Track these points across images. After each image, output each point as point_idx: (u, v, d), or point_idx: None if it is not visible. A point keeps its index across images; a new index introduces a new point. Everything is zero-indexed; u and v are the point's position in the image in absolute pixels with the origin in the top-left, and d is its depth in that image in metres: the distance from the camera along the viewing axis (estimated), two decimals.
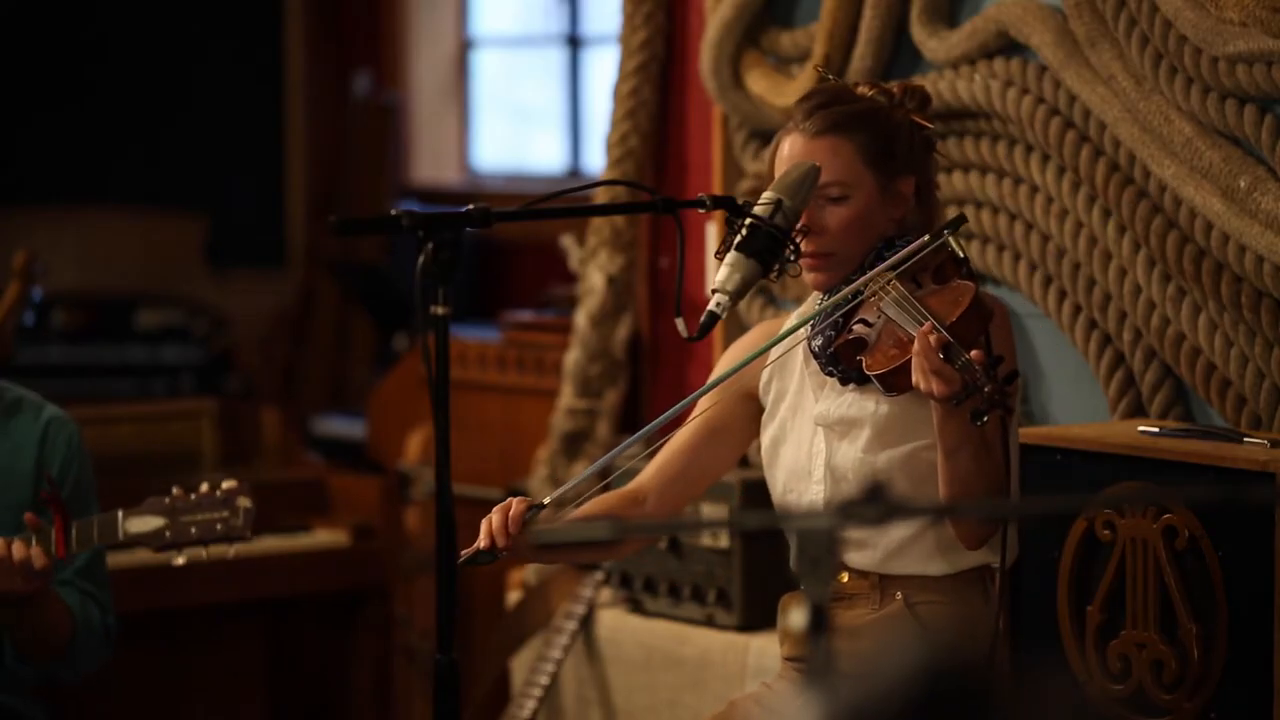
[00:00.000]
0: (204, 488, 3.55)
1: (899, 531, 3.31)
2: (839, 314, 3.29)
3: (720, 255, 3.21)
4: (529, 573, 4.97)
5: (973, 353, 3.06)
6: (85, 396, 6.72)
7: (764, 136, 4.60)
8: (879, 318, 3.25)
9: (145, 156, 7.93)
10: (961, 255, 3.24)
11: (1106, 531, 3.44)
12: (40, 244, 6.05)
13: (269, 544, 5.11)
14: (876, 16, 4.27)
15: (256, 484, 5.26)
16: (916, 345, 3.10)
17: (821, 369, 3.34)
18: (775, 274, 3.25)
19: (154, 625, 5.08)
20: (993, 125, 4.12)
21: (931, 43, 4.19)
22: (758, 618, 4.38)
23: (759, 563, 4.38)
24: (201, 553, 3.55)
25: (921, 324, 3.15)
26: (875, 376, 3.21)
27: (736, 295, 3.16)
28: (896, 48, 4.31)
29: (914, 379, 3.11)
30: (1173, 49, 3.75)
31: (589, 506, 3.38)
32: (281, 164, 8.10)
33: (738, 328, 4.58)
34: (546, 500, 3.32)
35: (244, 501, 3.54)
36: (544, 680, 4.62)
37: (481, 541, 3.29)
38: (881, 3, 4.26)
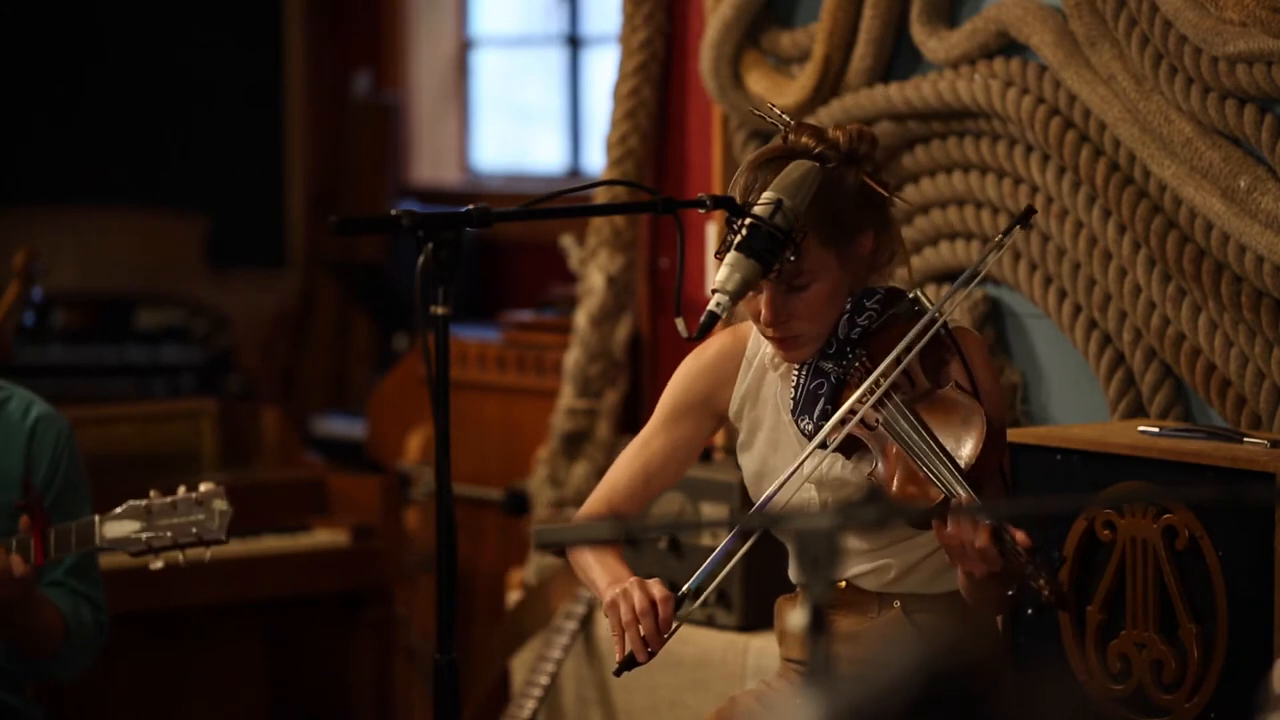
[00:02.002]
0: (181, 490, 3.53)
1: (893, 563, 3.30)
2: (822, 400, 3.24)
3: (720, 255, 3.20)
4: (529, 573, 4.97)
5: (1018, 535, 2.98)
6: (85, 396, 6.73)
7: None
8: (877, 424, 3.19)
9: (145, 156, 7.93)
10: (945, 331, 3.21)
11: (1106, 531, 3.44)
12: (40, 244, 6.04)
13: (269, 544, 5.11)
14: (876, 16, 4.27)
15: (256, 484, 5.30)
16: (951, 531, 3.02)
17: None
18: (775, 274, 3.24)
19: (154, 625, 5.08)
20: (993, 125, 4.12)
21: (931, 43, 4.19)
22: (758, 618, 4.38)
23: (759, 563, 4.38)
24: (178, 557, 3.54)
25: (938, 472, 3.08)
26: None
27: (736, 295, 3.16)
28: (896, 48, 4.31)
29: (948, 557, 3.07)
30: (1173, 49, 3.75)
31: (603, 561, 3.31)
32: (281, 164, 8.10)
33: None
34: (686, 588, 3.18)
35: (220, 504, 3.52)
36: (544, 680, 4.62)
37: (639, 656, 3.15)
38: (881, 3, 4.26)
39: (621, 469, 3.42)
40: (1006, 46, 4.08)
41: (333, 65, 8.06)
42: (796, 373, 3.30)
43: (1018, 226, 3.30)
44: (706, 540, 4.41)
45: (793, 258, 3.20)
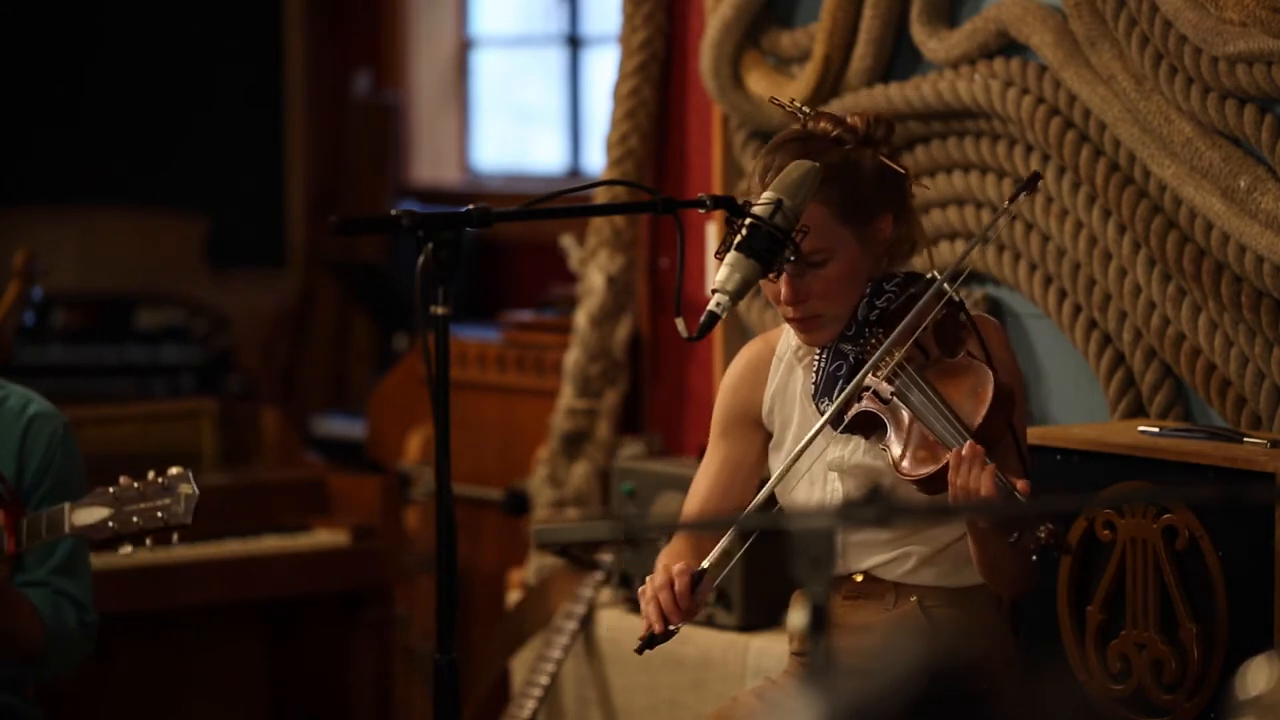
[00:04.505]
0: (150, 475, 3.51)
1: (914, 551, 3.30)
2: (840, 380, 3.25)
3: (720, 255, 3.20)
4: (529, 573, 4.97)
5: (1019, 483, 3.03)
6: (85, 396, 6.72)
7: (764, 136, 4.59)
8: (893, 398, 3.21)
9: (145, 156, 7.93)
10: (958, 300, 3.23)
11: (1106, 531, 3.44)
12: (40, 244, 6.05)
13: (269, 544, 5.11)
14: (876, 16, 4.27)
15: (256, 484, 5.30)
16: (956, 478, 3.07)
17: (831, 426, 3.28)
18: (775, 274, 3.24)
19: (154, 625, 5.08)
20: (993, 125, 4.12)
21: (931, 43, 4.19)
22: (758, 618, 4.38)
23: (759, 563, 4.37)
24: (145, 542, 3.52)
25: (948, 429, 3.12)
26: (911, 482, 3.17)
27: (736, 295, 3.16)
28: (896, 48, 4.31)
29: (954, 497, 3.09)
30: (1173, 49, 3.75)
31: (665, 554, 3.31)
32: (281, 164, 8.09)
33: (738, 328, 4.59)
34: (705, 564, 3.20)
35: (186, 488, 3.50)
36: (544, 680, 4.61)
37: (656, 626, 3.16)
38: (881, 3, 4.26)
39: (693, 500, 3.43)
40: (1006, 46, 4.08)
41: (333, 65, 8.06)
42: (818, 358, 3.31)
43: (1023, 193, 3.31)
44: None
45: (792, 258, 3.21)
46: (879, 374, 3.23)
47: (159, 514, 3.48)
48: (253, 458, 5.47)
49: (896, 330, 3.22)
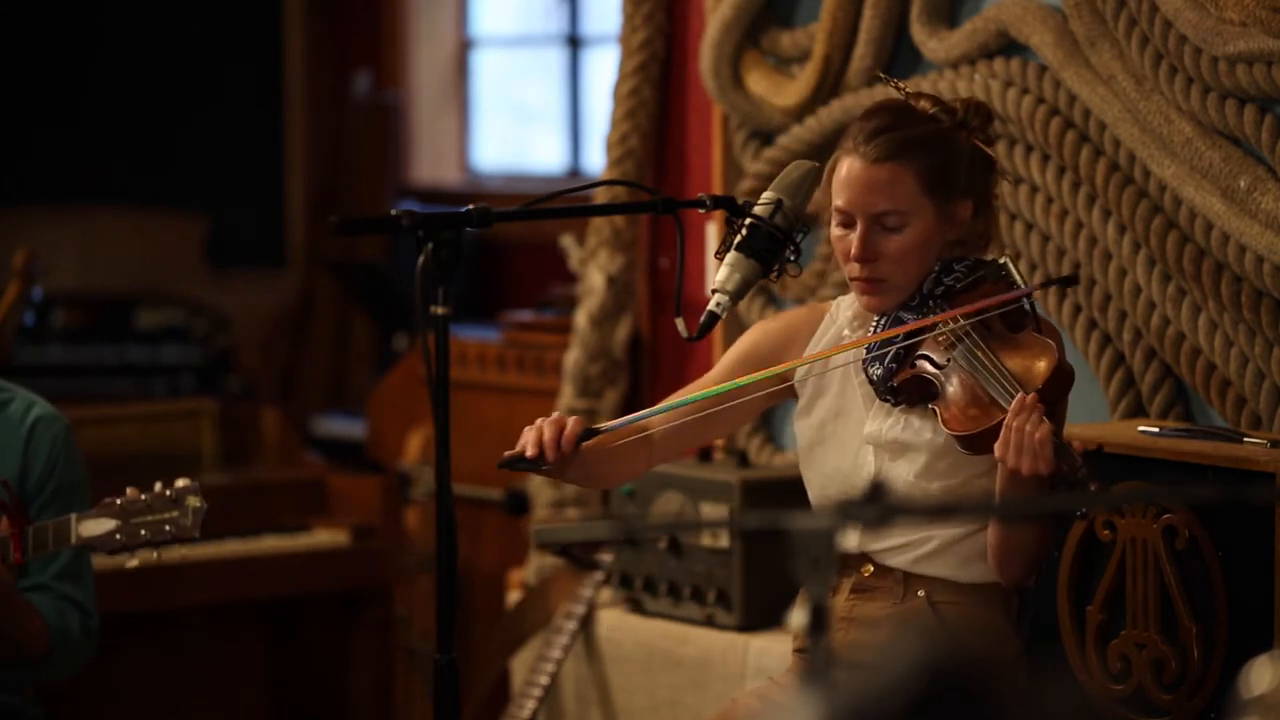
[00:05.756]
0: (157, 487, 3.52)
1: (937, 534, 3.28)
2: (899, 345, 3.24)
3: (720, 255, 3.20)
4: (529, 573, 4.97)
5: (1075, 443, 3.04)
6: (85, 396, 6.73)
7: (764, 136, 4.60)
8: (948, 361, 3.20)
9: (145, 156, 7.93)
10: (1029, 308, 3.22)
11: (1106, 531, 3.44)
12: (40, 244, 6.04)
13: (269, 544, 5.11)
14: (876, 16, 4.27)
15: (256, 484, 5.30)
16: (1014, 420, 3.07)
17: (878, 394, 3.27)
18: (775, 274, 3.24)
19: (154, 625, 5.08)
20: (993, 125, 4.12)
21: (931, 43, 4.19)
22: (758, 618, 4.38)
23: (759, 563, 4.38)
24: (152, 555, 3.52)
25: (1005, 388, 3.12)
26: (955, 437, 3.17)
27: (736, 295, 3.16)
28: (896, 48, 4.31)
29: (1000, 451, 3.09)
30: (1173, 49, 3.75)
31: (605, 437, 3.29)
32: (281, 164, 8.09)
33: (738, 328, 4.58)
34: (602, 426, 3.22)
35: (193, 501, 3.50)
36: (544, 680, 4.61)
37: (530, 449, 3.17)
38: (881, 3, 4.26)
39: (676, 400, 3.37)
40: (1006, 46, 4.08)
41: (333, 65, 8.06)
42: (874, 323, 3.29)
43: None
44: (706, 540, 4.41)
45: (792, 258, 3.21)
46: (938, 340, 3.22)
47: (166, 527, 3.49)
48: (253, 458, 5.47)
49: (965, 308, 3.19)
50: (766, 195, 3.20)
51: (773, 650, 4.24)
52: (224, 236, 7.94)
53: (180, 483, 3.51)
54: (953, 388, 3.18)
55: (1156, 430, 3.53)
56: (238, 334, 7.85)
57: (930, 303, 3.26)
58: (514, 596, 4.96)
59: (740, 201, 3.25)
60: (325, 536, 5.21)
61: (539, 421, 3.20)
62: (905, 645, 1.63)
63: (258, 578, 5.08)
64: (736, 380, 3.30)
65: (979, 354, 3.18)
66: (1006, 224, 4.10)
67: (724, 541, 4.38)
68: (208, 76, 7.99)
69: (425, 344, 3.00)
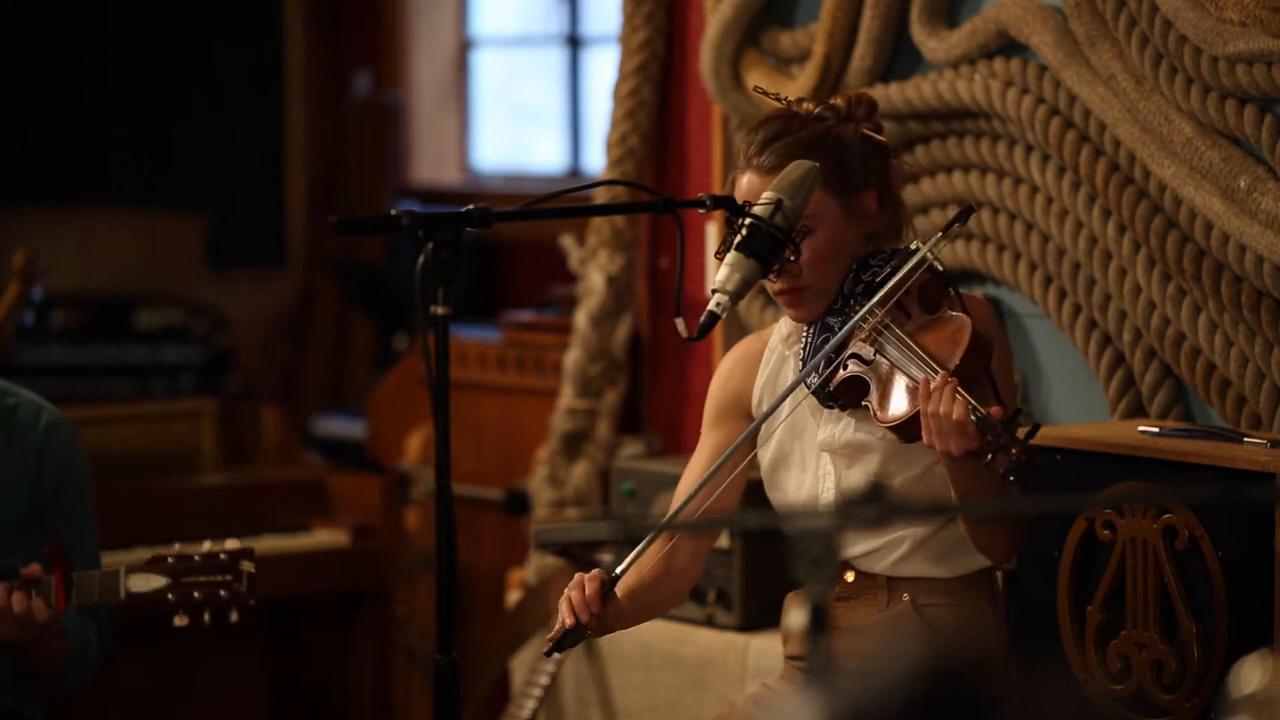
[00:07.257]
0: (207, 546, 3.55)
1: (908, 535, 3.30)
2: (828, 350, 3.27)
3: (720, 255, 3.21)
4: (529, 573, 4.97)
5: (992, 409, 3.05)
6: (85, 396, 6.72)
7: None
8: (875, 357, 3.24)
9: (145, 156, 7.93)
10: (941, 268, 3.24)
11: (1106, 531, 3.44)
12: (40, 244, 6.04)
13: (269, 544, 5.11)
14: (876, 16, 4.27)
15: (256, 484, 5.30)
16: (926, 405, 3.09)
17: (820, 402, 3.31)
18: (775, 273, 3.24)
19: (155, 626, 5.08)
20: (993, 125, 4.12)
21: (931, 43, 4.19)
22: (758, 618, 4.38)
23: (759, 563, 4.38)
24: (204, 617, 3.57)
25: (927, 372, 3.14)
26: (889, 429, 3.19)
27: (736, 295, 3.16)
28: (896, 48, 4.31)
29: (927, 438, 3.10)
30: (1173, 49, 3.75)
31: (630, 575, 3.31)
32: (281, 164, 8.10)
33: (737, 327, 4.58)
34: (618, 571, 3.25)
35: (248, 566, 3.55)
36: (544, 680, 4.62)
37: (566, 620, 3.22)
38: (881, 3, 4.26)
39: (682, 491, 3.41)
40: (1006, 46, 4.08)
41: (333, 65, 8.06)
42: (806, 334, 3.33)
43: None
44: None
45: (792, 258, 3.21)
46: (862, 338, 3.25)
47: (221, 591, 3.54)
48: (253, 458, 5.47)
49: (878, 295, 3.24)
50: (766, 195, 3.20)
51: (772, 650, 4.24)
52: (224, 236, 7.94)
53: (230, 544, 3.55)
54: (881, 383, 3.22)
55: (1156, 430, 3.53)
56: (238, 334, 7.85)
57: (851, 302, 3.30)
58: (514, 596, 4.96)
59: (740, 201, 3.25)
60: (325, 536, 5.21)
61: (565, 592, 3.24)
62: (903, 648, 1.63)
63: (257, 578, 5.07)
64: (716, 463, 3.32)
65: (899, 343, 3.21)
66: (1007, 224, 4.10)
67: (724, 541, 4.38)
68: (208, 76, 7.99)
69: (425, 344, 3.00)
